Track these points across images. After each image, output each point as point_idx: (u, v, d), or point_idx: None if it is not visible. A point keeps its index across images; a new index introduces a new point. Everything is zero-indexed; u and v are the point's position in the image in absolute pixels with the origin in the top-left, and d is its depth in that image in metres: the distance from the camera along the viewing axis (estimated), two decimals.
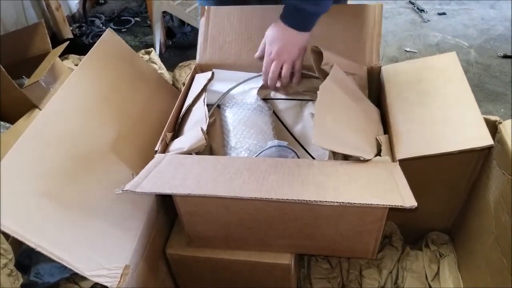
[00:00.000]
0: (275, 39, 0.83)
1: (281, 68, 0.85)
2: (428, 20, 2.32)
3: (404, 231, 0.97)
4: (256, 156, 0.77)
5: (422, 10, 2.39)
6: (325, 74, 0.81)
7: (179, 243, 0.80)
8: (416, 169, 0.68)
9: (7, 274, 0.64)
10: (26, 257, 0.77)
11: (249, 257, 0.77)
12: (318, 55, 0.85)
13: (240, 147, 0.82)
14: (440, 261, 0.90)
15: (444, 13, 2.37)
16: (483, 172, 0.78)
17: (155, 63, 1.31)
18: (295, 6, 0.79)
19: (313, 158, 0.85)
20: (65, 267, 0.60)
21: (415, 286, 0.87)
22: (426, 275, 0.89)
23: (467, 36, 2.16)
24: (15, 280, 0.66)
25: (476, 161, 0.78)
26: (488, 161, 0.76)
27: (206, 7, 1.00)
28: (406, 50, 2.08)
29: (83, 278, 0.62)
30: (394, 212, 0.61)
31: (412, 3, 2.47)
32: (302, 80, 0.93)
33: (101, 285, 0.64)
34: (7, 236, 0.60)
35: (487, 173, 0.76)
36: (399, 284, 0.89)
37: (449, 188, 0.85)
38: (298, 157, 0.79)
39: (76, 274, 0.61)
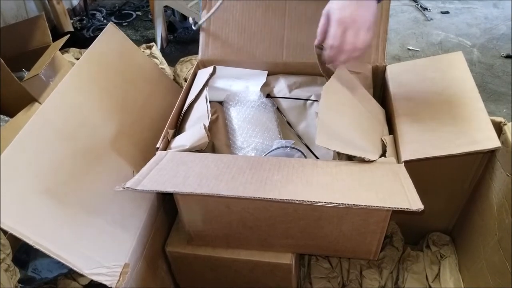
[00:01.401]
0: (345, 6, 0.71)
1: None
2: (431, 19, 2.30)
3: (405, 231, 0.96)
4: (264, 156, 0.76)
5: (425, 8, 2.38)
6: (330, 73, 0.79)
7: (179, 241, 0.80)
8: (419, 169, 0.67)
9: (4, 269, 0.64)
10: (24, 252, 0.77)
11: (250, 257, 0.76)
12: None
13: (247, 146, 0.81)
14: (441, 262, 0.90)
15: (447, 12, 2.36)
16: (486, 173, 0.77)
17: (156, 58, 1.30)
18: None
19: (317, 157, 0.84)
20: (63, 263, 0.59)
21: (416, 287, 0.87)
22: (426, 276, 0.89)
23: (470, 35, 2.15)
24: (13, 276, 0.66)
25: (479, 162, 0.78)
26: (492, 163, 0.75)
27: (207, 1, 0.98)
28: (409, 49, 2.07)
29: (81, 274, 0.61)
30: (396, 212, 0.60)
31: (415, 1, 2.45)
32: (307, 83, 0.92)
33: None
34: (5, 230, 0.59)
35: (491, 174, 0.76)
36: (400, 285, 0.89)
37: (452, 188, 0.84)
38: (305, 157, 0.78)
39: (74, 270, 0.60)
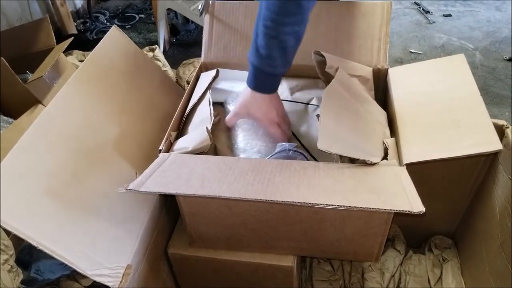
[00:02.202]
0: (254, 112, 0.80)
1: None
2: (433, 22, 2.30)
3: (407, 234, 0.96)
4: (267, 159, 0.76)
5: (427, 11, 2.38)
6: (329, 78, 0.80)
7: (181, 243, 0.80)
8: (421, 172, 0.67)
9: (7, 270, 0.64)
10: (26, 253, 0.77)
11: (252, 259, 0.76)
12: (321, 58, 0.84)
13: (250, 149, 0.81)
14: (443, 265, 0.89)
15: (449, 15, 2.36)
16: (489, 177, 0.77)
17: (159, 60, 1.30)
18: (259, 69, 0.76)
19: (316, 160, 0.84)
20: (66, 264, 0.60)
21: None
22: (428, 279, 0.88)
23: (472, 38, 2.15)
24: (15, 276, 0.66)
25: (482, 165, 0.78)
26: (494, 166, 0.75)
27: (210, 2, 0.98)
28: (411, 51, 2.07)
29: (84, 276, 0.61)
30: (398, 215, 0.60)
31: (418, 4, 2.46)
32: (308, 86, 0.92)
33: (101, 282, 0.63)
34: (8, 232, 0.59)
35: (493, 178, 0.75)
36: None
37: (454, 191, 0.84)
38: (307, 160, 0.78)
39: (76, 271, 0.61)
